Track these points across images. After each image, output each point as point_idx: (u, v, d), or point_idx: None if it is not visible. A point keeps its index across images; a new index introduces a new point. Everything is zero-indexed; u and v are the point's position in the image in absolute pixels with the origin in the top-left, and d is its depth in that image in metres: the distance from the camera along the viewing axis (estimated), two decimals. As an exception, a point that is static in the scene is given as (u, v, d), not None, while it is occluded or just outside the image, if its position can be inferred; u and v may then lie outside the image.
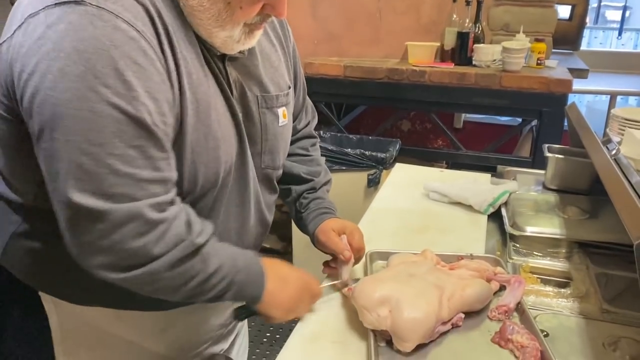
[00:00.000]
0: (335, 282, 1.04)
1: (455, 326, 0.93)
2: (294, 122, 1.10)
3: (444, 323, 0.90)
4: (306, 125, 1.19)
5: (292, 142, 1.11)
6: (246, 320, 1.22)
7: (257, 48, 0.92)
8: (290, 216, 1.17)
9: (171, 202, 0.75)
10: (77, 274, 0.84)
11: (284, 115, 0.97)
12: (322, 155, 1.21)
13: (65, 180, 0.67)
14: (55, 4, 0.67)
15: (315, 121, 1.23)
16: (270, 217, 1.04)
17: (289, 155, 1.10)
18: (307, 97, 1.20)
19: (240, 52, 0.87)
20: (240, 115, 0.88)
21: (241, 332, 1.20)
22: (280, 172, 1.05)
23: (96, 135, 0.66)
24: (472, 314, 0.97)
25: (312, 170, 1.14)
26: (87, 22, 0.65)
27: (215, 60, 0.83)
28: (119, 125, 0.67)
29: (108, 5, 0.66)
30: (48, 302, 0.92)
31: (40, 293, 0.91)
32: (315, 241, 1.08)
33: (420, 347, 0.87)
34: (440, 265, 1.06)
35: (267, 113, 0.93)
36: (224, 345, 1.10)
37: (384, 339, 0.89)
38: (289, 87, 1.00)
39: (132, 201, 0.69)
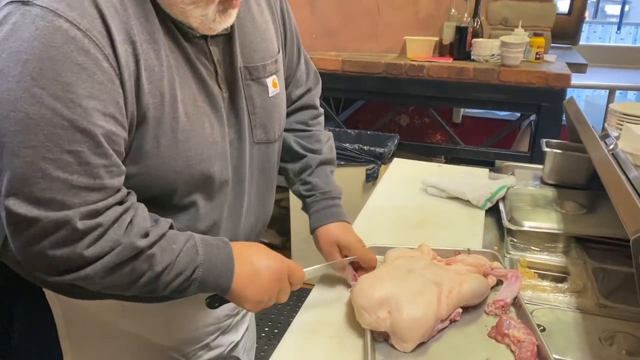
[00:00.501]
0: (326, 265, 1.02)
1: (453, 321, 0.93)
2: (287, 88, 1.04)
3: (443, 320, 0.90)
4: (304, 93, 1.10)
5: (288, 114, 1.06)
6: (253, 314, 1.22)
7: (242, 13, 0.88)
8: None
9: (108, 208, 0.72)
10: None
11: (274, 85, 0.93)
12: (331, 141, 1.14)
13: (0, 182, 0.67)
14: (5, 4, 0.66)
15: (319, 90, 1.14)
16: (269, 203, 1.01)
17: (286, 130, 1.05)
18: (308, 60, 1.11)
19: (225, 30, 0.83)
20: (225, 96, 0.85)
21: (251, 326, 1.19)
22: (279, 144, 1.01)
23: (30, 137, 0.64)
24: (469, 308, 0.97)
25: (309, 146, 1.09)
26: (29, 22, 0.64)
27: (196, 41, 0.80)
28: (53, 128, 0.65)
29: (52, 5, 0.65)
30: (51, 297, 0.92)
31: (43, 289, 0.91)
32: (314, 235, 1.06)
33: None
34: (437, 260, 1.06)
35: (251, 85, 0.89)
36: (235, 337, 1.09)
37: (383, 338, 0.89)
38: (278, 52, 0.95)
39: (62, 209, 0.67)
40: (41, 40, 0.64)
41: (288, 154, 1.08)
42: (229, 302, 0.88)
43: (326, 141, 1.12)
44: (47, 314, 0.93)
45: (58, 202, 0.67)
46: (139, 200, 0.78)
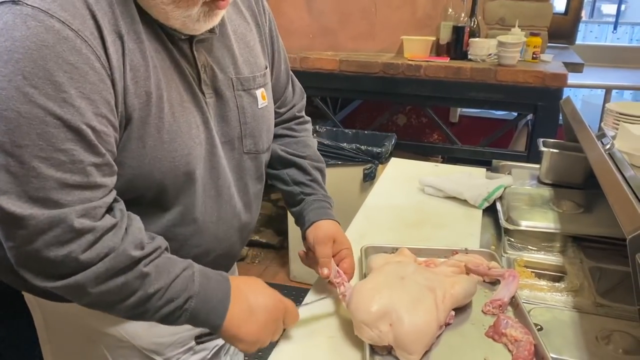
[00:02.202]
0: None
1: (447, 324, 0.93)
2: (276, 104, 1.06)
3: (441, 326, 0.90)
4: (290, 109, 1.13)
5: (274, 126, 1.07)
6: None
7: (230, 28, 0.90)
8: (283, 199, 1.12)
9: (107, 209, 0.72)
10: None
11: (262, 97, 0.95)
12: (317, 149, 1.14)
13: None
14: None
15: (303, 103, 1.16)
16: (255, 207, 1.01)
17: (273, 139, 1.06)
18: (294, 79, 1.14)
19: (211, 31, 0.83)
20: (210, 102, 0.85)
21: None
22: (267, 155, 1.02)
23: (21, 136, 0.64)
24: (465, 308, 0.97)
25: (297, 153, 1.09)
26: (20, 22, 0.64)
27: (180, 44, 0.80)
28: (45, 127, 0.65)
29: (43, 5, 0.65)
30: (31, 301, 0.90)
31: (23, 292, 0.90)
32: (308, 232, 1.04)
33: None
34: (418, 262, 1.05)
35: (243, 95, 0.91)
36: (219, 341, 1.07)
37: (387, 351, 0.87)
38: (266, 67, 0.97)
39: (57, 207, 0.67)
40: (33, 40, 0.64)
41: (278, 162, 1.09)
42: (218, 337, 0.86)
43: (314, 146, 1.13)
44: (27, 318, 0.91)
45: (52, 201, 0.67)
46: (126, 200, 0.77)
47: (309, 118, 1.17)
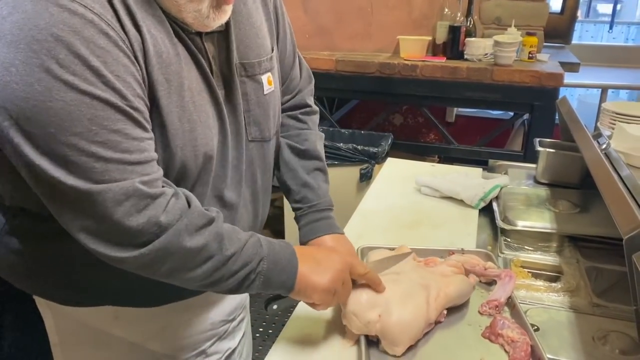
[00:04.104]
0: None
1: (437, 323, 0.92)
2: (283, 85, 1.03)
3: (430, 323, 0.90)
4: (296, 94, 1.07)
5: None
6: (249, 320, 1.20)
7: (237, 9, 0.86)
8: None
9: (162, 180, 0.73)
10: (67, 275, 0.83)
11: (269, 82, 0.92)
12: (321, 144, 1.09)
13: (54, 172, 0.65)
14: None
15: (311, 88, 1.11)
16: (262, 201, 0.99)
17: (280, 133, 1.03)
18: (302, 59, 1.09)
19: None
20: (221, 93, 0.84)
21: (247, 332, 1.17)
22: (274, 142, 0.99)
23: (74, 124, 0.64)
24: (461, 308, 0.97)
25: (298, 147, 1.04)
26: (42, 9, 0.62)
27: (192, 37, 0.80)
28: (94, 111, 0.65)
29: None
30: (42, 305, 0.90)
31: (34, 297, 0.89)
32: None
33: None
34: (417, 260, 1.05)
35: (247, 81, 0.88)
36: (232, 344, 1.07)
37: (377, 339, 0.88)
38: (272, 50, 0.94)
39: (125, 180, 0.68)
40: (60, 27, 0.62)
41: (281, 163, 1.06)
42: (287, 303, 0.87)
43: (315, 141, 1.07)
44: (38, 322, 0.91)
45: (118, 180, 0.67)
46: None
47: (317, 108, 1.12)
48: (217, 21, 0.79)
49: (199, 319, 0.99)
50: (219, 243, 0.75)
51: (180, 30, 0.77)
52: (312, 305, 0.86)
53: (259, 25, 0.91)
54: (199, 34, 0.81)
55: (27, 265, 0.85)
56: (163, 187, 0.73)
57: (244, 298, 1.13)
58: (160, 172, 0.73)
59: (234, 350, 1.09)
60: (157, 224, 0.70)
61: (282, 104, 1.04)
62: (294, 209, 1.05)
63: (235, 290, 0.78)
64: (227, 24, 0.84)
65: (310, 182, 1.04)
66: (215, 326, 1.02)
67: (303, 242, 1.02)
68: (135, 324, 0.91)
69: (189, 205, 0.74)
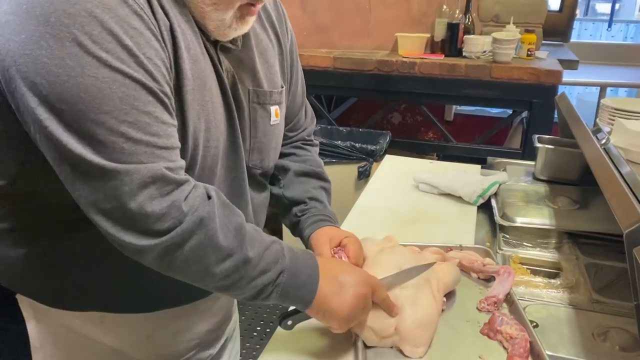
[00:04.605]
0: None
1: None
2: (287, 126, 1.04)
3: (439, 314, 0.90)
4: (300, 133, 1.11)
5: (282, 146, 1.04)
6: (237, 325, 1.18)
7: (254, 41, 0.88)
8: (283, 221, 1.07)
9: (183, 170, 0.71)
10: (56, 275, 0.81)
11: (276, 114, 0.92)
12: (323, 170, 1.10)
13: (80, 150, 0.63)
14: None
15: (313, 128, 1.15)
16: (262, 218, 0.98)
17: (280, 155, 1.03)
18: (307, 104, 1.12)
19: (233, 42, 0.83)
20: (233, 102, 0.84)
21: (232, 337, 1.14)
22: (269, 173, 1.00)
23: (104, 102, 0.62)
24: (459, 305, 0.97)
25: (301, 169, 1.05)
26: None
27: (209, 44, 0.80)
28: (126, 90, 0.63)
29: None
30: (26, 306, 0.86)
31: (17, 297, 0.86)
32: (309, 247, 1.00)
33: (408, 339, 0.86)
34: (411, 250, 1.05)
35: (257, 109, 0.89)
36: (212, 351, 1.05)
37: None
38: (282, 87, 0.96)
39: (152, 164, 0.66)
40: (94, 2, 0.61)
41: (287, 181, 1.05)
42: (306, 318, 0.83)
43: (320, 165, 1.09)
44: (20, 325, 0.87)
45: (145, 163, 0.65)
46: None
47: (317, 142, 1.15)
48: (238, 31, 0.79)
49: (187, 328, 0.96)
50: (240, 241, 0.73)
51: (202, 35, 0.77)
52: (329, 326, 0.83)
53: (272, 62, 0.93)
54: (215, 43, 0.81)
55: (15, 262, 0.82)
56: (185, 174, 0.71)
57: (231, 307, 1.10)
58: (183, 162, 0.71)
59: (215, 357, 1.06)
60: (180, 209, 0.68)
61: (289, 138, 1.07)
62: (298, 215, 1.02)
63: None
64: (246, 45, 0.86)
65: (319, 197, 1.03)
66: (201, 335, 0.99)
67: (307, 236, 0.99)
68: (120, 330, 0.89)
69: (209, 197, 0.72)
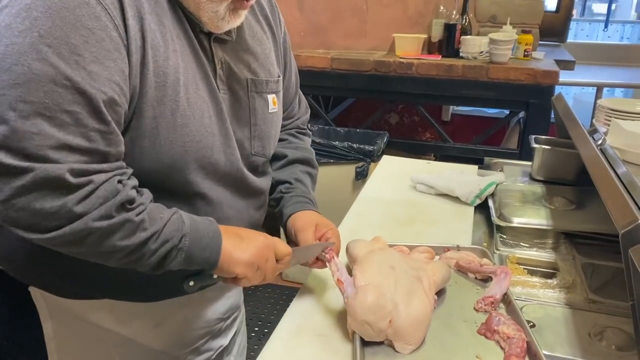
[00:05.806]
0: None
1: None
2: (283, 114, 1.07)
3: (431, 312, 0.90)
4: (293, 122, 1.16)
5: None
6: (244, 319, 1.19)
7: (248, 33, 0.92)
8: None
9: (98, 171, 0.70)
10: (66, 265, 0.83)
11: (274, 103, 0.96)
12: (314, 158, 1.15)
13: None
14: None
15: (307, 117, 1.19)
16: (265, 200, 1.01)
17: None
18: (301, 95, 1.17)
19: (227, 34, 0.86)
20: (224, 98, 0.86)
21: (240, 331, 1.18)
22: (269, 160, 1.03)
23: (29, 92, 0.63)
24: (457, 305, 0.97)
25: (289, 153, 1.09)
26: None
27: (200, 37, 0.82)
28: (54, 86, 0.64)
29: None
30: (38, 297, 0.90)
31: (30, 288, 0.89)
32: (288, 225, 1.02)
33: (406, 339, 0.87)
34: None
35: (256, 97, 0.92)
36: (224, 342, 1.08)
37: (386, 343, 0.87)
38: (279, 76, 0.99)
39: (55, 164, 0.65)
40: (54, 1, 0.65)
41: (276, 163, 1.09)
42: (209, 285, 0.86)
43: (311, 153, 1.14)
44: (33, 314, 0.91)
45: (50, 159, 0.65)
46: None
47: (310, 132, 1.20)
48: (231, 24, 0.82)
49: (195, 316, 0.99)
50: (136, 227, 0.73)
51: (190, 27, 0.80)
52: (235, 281, 0.85)
53: (268, 53, 0.97)
54: (208, 36, 0.83)
55: (27, 254, 0.85)
56: (95, 174, 0.69)
57: (238, 297, 1.13)
58: (104, 166, 0.70)
59: (225, 348, 1.09)
60: (71, 211, 0.67)
61: (284, 127, 1.11)
62: (283, 191, 1.06)
63: (158, 267, 0.77)
64: (241, 37, 0.89)
65: (303, 180, 1.08)
66: (210, 324, 1.03)
67: (289, 214, 1.02)
68: (131, 319, 0.91)
69: (117, 192, 0.71)
